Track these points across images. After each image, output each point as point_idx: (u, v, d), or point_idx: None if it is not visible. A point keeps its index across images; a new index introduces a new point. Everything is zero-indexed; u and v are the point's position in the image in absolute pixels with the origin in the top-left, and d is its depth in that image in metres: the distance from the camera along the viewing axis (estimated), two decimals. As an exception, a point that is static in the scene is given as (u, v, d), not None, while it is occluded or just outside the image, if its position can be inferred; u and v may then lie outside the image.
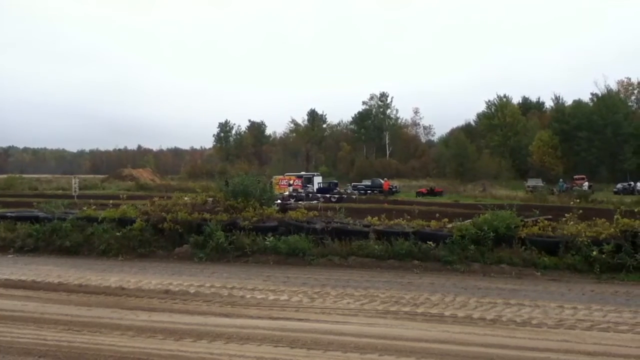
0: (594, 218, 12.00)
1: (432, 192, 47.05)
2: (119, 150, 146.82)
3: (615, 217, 11.36)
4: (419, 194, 47.19)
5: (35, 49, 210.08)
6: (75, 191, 31.00)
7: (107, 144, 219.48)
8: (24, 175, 75.86)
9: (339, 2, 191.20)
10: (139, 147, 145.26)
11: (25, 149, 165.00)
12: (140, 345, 6.00)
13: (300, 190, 43.43)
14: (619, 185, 50.36)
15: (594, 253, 10.27)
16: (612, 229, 11.02)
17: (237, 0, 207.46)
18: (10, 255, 12.52)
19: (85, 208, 14.66)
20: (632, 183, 50.59)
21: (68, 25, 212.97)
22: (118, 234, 12.54)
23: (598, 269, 10.14)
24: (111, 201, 15.69)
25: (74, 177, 38.84)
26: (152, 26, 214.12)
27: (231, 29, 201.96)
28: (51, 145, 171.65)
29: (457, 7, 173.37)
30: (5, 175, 69.27)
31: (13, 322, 7.00)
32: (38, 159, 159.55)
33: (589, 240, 10.58)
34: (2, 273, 10.32)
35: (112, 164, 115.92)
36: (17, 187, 52.68)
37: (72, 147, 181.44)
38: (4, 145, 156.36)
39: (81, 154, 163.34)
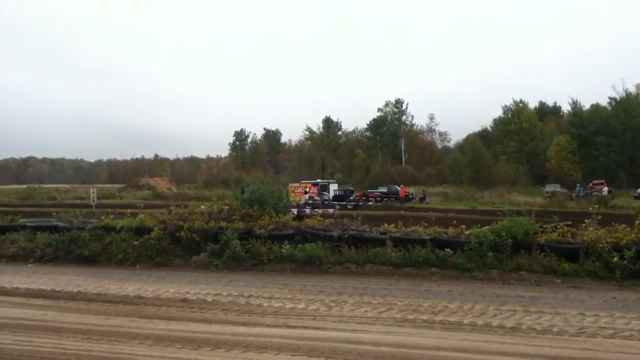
0: (614, 224, 11.82)
1: (365, 197, 46.19)
2: (136, 159, 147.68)
3: (637, 222, 11.19)
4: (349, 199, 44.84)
5: (53, 61, 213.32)
6: (93, 200, 31.29)
7: (125, 154, 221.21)
8: (43, 185, 77.17)
9: (352, 6, 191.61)
10: (156, 156, 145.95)
11: (44, 159, 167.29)
12: (159, 354, 6.02)
13: (316, 197, 43.42)
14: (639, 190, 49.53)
15: (615, 259, 10.11)
16: (633, 235, 10.88)
17: (250, 5, 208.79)
18: (30, 265, 12.67)
19: (103, 217, 14.81)
20: (652, 188, 49.68)
21: (84, 36, 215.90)
22: (136, 243, 12.64)
23: (619, 276, 9.98)
24: (129, 210, 15.85)
25: (92, 186, 39.28)
26: (168, 34, 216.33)
27: (243, 35, 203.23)
28: (69, 155, 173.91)
29: (474, 9, 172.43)
30: (24, 186, 70.57)
31: (33, 331, 7.08)
32: (56, 169, 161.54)
33: (609, 246, 10.43)
34: (23, 282, 10.44)
35: (129, 173, 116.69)
36: (36, 197, 53.44)
37: (90, 157, 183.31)
38: (23, 155, 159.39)
39: (99, 163, 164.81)
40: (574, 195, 45.15)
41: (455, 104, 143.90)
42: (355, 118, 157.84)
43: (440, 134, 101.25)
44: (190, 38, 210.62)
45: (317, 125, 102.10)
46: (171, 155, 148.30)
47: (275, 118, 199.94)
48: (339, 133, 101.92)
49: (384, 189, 52.66)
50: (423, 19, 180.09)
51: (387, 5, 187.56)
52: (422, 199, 47.25)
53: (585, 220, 12.12)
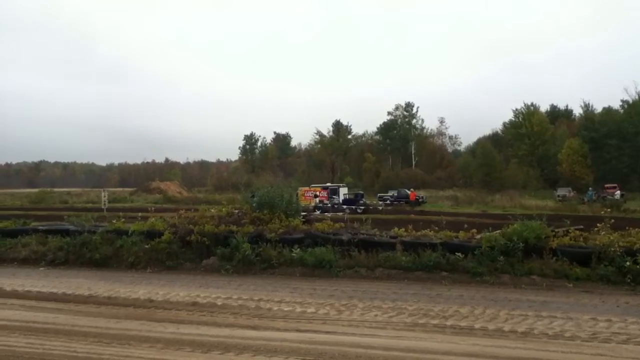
0: (627, 228, 11.72)
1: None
2: (147, 163, 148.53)
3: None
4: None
5: (64, 66, 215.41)
6: (104, 204, 31.49)
7: (136, 158, 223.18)
8: (55, 189, 77.81)
9: (352, 6, 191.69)
10: (167, 160, 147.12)
11: (56, 163, 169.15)
12: (169, 357, 6.03)
13: (325, 201, 43.36)
14: (653, 194, 48.92)
15: (628, 264, 10.02)
16: (647, 239, 10.75)
17: (264, 6, 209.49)
18: (42, 268, 12.76)
19: (114, 221, 14.88)
20: (665, 192, 49.11)
21: (94, 39, 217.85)
22: (146, 246, 12.70)
23: (632, 280, 9.90)
24: (139, 214, 15.92)
25: (103, 190, 39.44)
26: (176, 38, 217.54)
27: (254, 39, 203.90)
28: (81, 159, 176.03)
29: (487, 13, 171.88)
30: (36, 189, 71.15)
31: (45, 334, 7.11)
32: (68, 173, 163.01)
33: (622, 251, 10.34)
34: (34, 285, 10.51)
35: (140, 177, 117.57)
36: (48, 201, 53.72)
37: (101, 161, 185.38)
38: (36, 159, 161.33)
39: (110, 167, 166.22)
40: (585, 199, 44.72)
41: (466, 107, 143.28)
42: (361, 118, 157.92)
43: (451, 137, 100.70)
44: (192, 38, 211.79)
45: (327, 129, 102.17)
46: (182, 159, 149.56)
47: (284, 121, 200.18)
48: (349, 137, 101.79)
49: (394, 193, 52.49)
50: (424, 19, 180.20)
51: (387, 5, 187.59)
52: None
53: (598, 225, 12.01)
